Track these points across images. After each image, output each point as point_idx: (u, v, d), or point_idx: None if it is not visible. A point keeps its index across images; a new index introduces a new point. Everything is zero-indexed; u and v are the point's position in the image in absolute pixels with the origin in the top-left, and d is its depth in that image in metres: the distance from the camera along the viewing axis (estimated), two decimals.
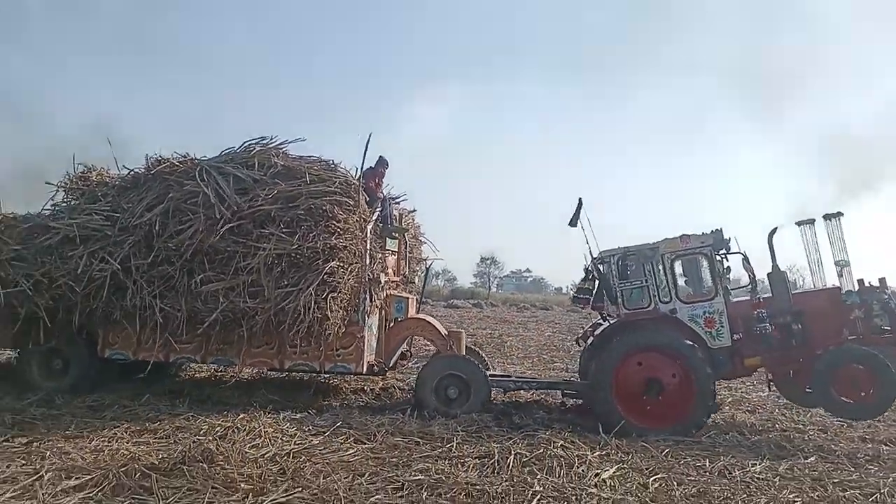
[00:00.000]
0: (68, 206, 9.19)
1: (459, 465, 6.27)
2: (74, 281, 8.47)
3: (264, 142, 9.13)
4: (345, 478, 5.68)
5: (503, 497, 5.18)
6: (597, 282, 9.09)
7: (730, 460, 6.74)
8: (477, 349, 10.94)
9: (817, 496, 5.59)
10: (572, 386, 9.41)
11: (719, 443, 7.62)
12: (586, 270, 9.37)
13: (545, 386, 9.85)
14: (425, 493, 5.41)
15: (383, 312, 9.48)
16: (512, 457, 6.37)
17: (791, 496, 5.60)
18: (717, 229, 8.56)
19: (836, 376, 7.75)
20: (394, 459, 6.37)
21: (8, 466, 5.63)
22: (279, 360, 8.80)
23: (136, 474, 5.33)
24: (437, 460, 6.41)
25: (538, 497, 5.16)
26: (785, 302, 8.37)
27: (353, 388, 10.73)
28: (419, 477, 5.80)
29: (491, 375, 9.45)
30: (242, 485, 5.29)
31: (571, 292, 9.74)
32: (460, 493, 5.41)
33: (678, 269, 8.77)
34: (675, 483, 5.93)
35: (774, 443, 7.71)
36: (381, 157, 9.91)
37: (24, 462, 5.80)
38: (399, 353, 10.17)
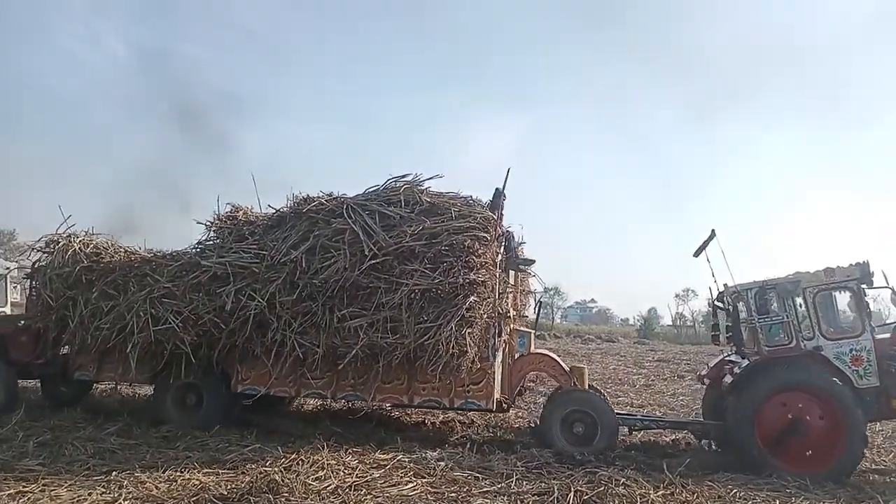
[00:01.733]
0: (216, 244, 9.43)
1: (518, 502, 6.26)
2: (220, 317, 8.72)
3: (405, 178, 9.25)
4: None
5: None
6: (725, 316, 8.94)
7: (801, 502, 6.46)
8: (595, 386, 10.64)
9: None
10: (705, 426, 9.08)
11: (790, 482, 7.30)
12: (714, 305, 9.25)
13: (675, 426, 9.67)
14: None
15: (507, 347, 9.47)
16: (572, 494, 6.31)
17: None
18: (863, 261, 8.13)
19: None
20: (452, 494, 6.42)
21: (89, 494, 5.98)
22: (409, 395, 8.86)
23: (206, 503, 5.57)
24: (495, 496, 6.43)
25: None
26: None
27: (413, 420, 10.85)
28: None
29: (617, 413, 9.22)
30: None
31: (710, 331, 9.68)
32: None
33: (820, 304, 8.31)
34: None
35: (852, 485, 7.33)
36: (497, 189, 9.53)
37: (103, 490, 6.14)
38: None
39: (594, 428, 8.50)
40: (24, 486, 6.21)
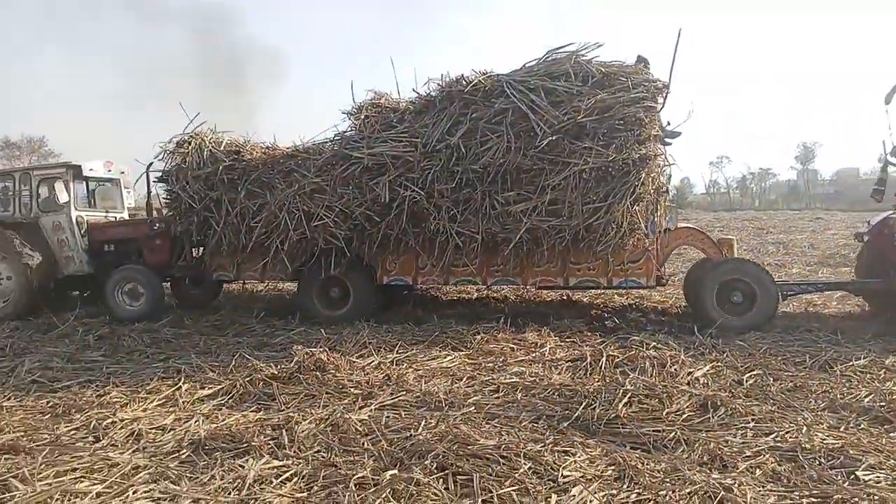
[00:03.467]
0: (363, 134, 8.83)
1: (553, 368, 6.53)
2: (373, 210, 8.51)
3: (565, 49, 8.44)
4: (444, 382, 6.09)
5: (594, 396, 5.38)
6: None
7: (832, 355, 6.62)
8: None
9: None
10: (870, 285, 8.87)
11: (822, 338, 7.45)
12: (887, 160, 8.91)
13: (833, 287, 9.65)
14: (520, 394, 5.72)
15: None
16: (604, 359, 6.52)
17: (893, 385, 5.48)
18: None
19: None
20: (489, 364, 6.72)
21: (151, 380, 6.43)
22: (564, 277, 8.73)
23: (259, 383, 5.96)
24: (531, 364, 6.71)
25: (629, 395, 5.32)
26: None
27: (449, 299, 11.18)
28: (514, 380, 6.12)
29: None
30: (353, 390, 5.81)
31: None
32: (553, 394, 5.68)
33: None
34: (770, 379, 5.95)
35: (888, 337, 7.45)
36: (639, 55, 8.70)
37: (163, 375, 6.60)
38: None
39: (752, 296, 8.28)
40: (90, 375, 6.70)
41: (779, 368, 6.27)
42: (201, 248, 10.20)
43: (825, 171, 55.45)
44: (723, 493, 3.64)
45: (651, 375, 6.00)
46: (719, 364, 6.42)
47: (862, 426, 4.79)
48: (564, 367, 6.53)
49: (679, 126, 8.73)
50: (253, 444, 4.44)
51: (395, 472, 3.90)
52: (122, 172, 11.83)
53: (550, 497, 3.62)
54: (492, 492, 3.70)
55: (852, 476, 3.93)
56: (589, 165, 7.79)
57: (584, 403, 5.29)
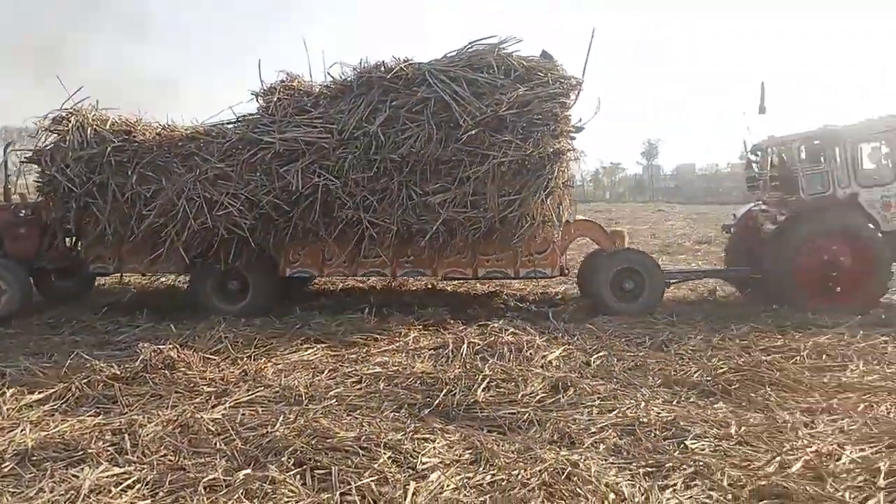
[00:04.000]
0: (273, 118, 8.38)
1: (416, 357, 6.60)
2: (282, 198, 8.08)
3: (486, 42, 8.45)
4: (305, 375, 5.96)
5: (455, 382, 5.51)
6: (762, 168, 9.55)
7: (668, 336, 7.24)
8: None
9: (742, 361, 6.09)
10: (740, 273, 9.65)
11: (660, 320, 8.12)
12: (748, 158, 9.74)
13: (712, 275, 10.30)
14: (382, 384, 5.72)
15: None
16: (465, 346, 6.70)
17: (719, 363, 6.10)
18: None
19: None
20: (352, 356, 6.66)
21: None
22: (473, 269, 8.74)
23: (98, 385, 5.49)
24: (394, 354, 6.74)
25: (487, 380, 5.51)
26: None
27: (315, 291, 10.95)
28: (377, 370, 6.12)
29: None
30: (205, 388, 5.52)
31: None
32: (416, 382, 5.74)
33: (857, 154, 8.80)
34: (615, 359, 6.40)
35: (713, 316, 8.26)
36: (543, 51, 8.73)
37: None
38: None
39: (642, 284, 8.77)
40: None
41: (622, 349, 6.76)
42: (75, 238, 9.31)
43: (667, 167, 60.24)
44: (570, 468, 3.85)
45: (508, 360, 6.25)
46: (570, 347, 6.80)
47: (691, 399, 5.28)
48: (427, 356, 6.62)
49: (586, 122, 8.90)
50: (89, 451, 4.08)
51: (249, 471, 3.75)
52: None
53: (409, 484, 3.65)
54: (350, 484, 3.66)
55: (682, 445, 4.31)
56: (508, 158, 7.86)
57: (444, 390, 5.40)
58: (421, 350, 6.83)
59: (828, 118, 9.60)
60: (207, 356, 6.37)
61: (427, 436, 4.46)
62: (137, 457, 4.11)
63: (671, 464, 4.00)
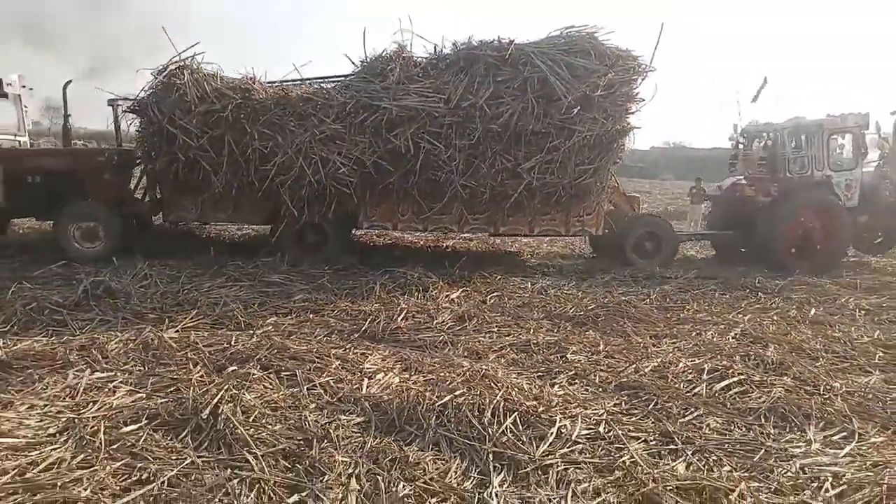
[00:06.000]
0: (387, 84, 8.79)
1: (335, 295, 7.43)
2: (386, 159, 8.68)
3: (580, 29, 9.29)
4: (238, 307, 6.58)
5: (377, 313, 6.44)
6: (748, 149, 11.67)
7: (546, 282, 8.58)
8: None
9: (606, 301, 7.52)
10: (734, 237, 11.21)
11: (538, 271, 9.49)
12: (738, 140, 11.79)
13: (707, 237, 12.02)
14: (311, 315, 6.53)
15: None
16: (378, 286, 7.63)
17: (587, 301, 7.50)
18: (867, 112, 10.53)
19: None
20: (276, 292, 7.36)
21: None
22: (530, 227, 9.70)
23: (44, 311, 5.82)
24: (313, 292, 7.51)
25: (405, 311, 6.49)
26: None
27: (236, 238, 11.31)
28: (304, 304, 6.90)
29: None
30: (150, 315, 6.03)
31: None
32: (340, 314, 6.60)
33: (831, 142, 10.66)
34: (506, 298, 7.61)
35: (581, 270, 9.76)
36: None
37: None
38: None
39: (659, 244, 10.28)
40: None
41: (511, 291, 7.99)
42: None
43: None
44: (483, 371, 4.93)
45: (418, 297, 7.27)
46: (468, 289, 7.93)
47: (569, 328, 6.56)
48: (345, 294, 7.46)
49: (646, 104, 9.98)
50: (70, 359, 4.59)
51: (234, 368, 4.49)
52: (26, 87, 10.23)
53: (363, 381, 4.57)
54: (314, 381, 4.52)
55: (564, 358, 5.55)
56: (593, 133, 8.86)
57: (368, 319, 6.31)
58: (337, 290, 7.65)
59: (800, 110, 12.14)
60: (141, 288, 6.80)
61: (364, 351, 5.38)
62: (112, 366, 4.68)
63: (558, 369, 5.22)
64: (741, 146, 12.15)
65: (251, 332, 5.68)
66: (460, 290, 7.82)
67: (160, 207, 9.80)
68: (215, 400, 3.88)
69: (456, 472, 3.47)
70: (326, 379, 4.58)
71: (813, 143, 10.64)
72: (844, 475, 3.57)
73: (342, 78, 9.40)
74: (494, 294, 7.75)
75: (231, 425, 3.68)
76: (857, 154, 10.71)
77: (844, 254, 10.88)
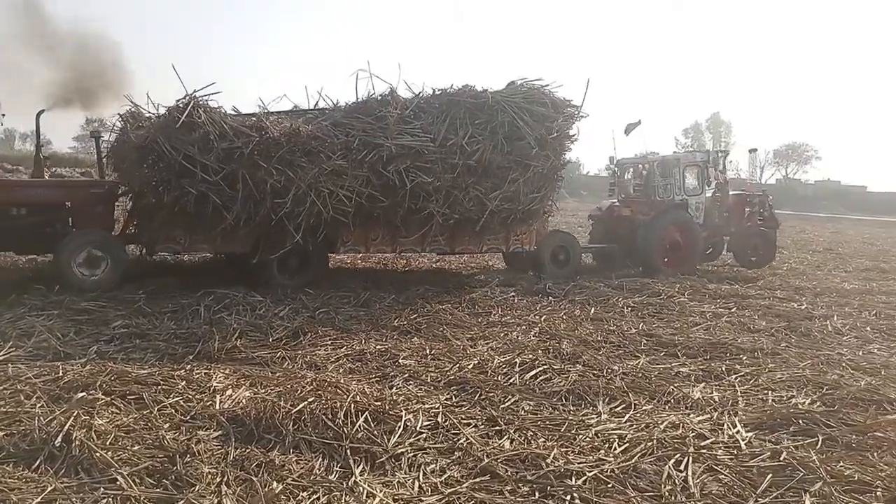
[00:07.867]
0: (385, 124, 9.58)
1: (155, 318, 7.27)
2: (379, 191, 9.46)
3: (536, 81, 10.88)
4: (57, 335, 6.21)
5: (208, 334, 6.51)
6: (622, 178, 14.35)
7: (368, 296, 9.09)
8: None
9: (426, 310, 8.26)
10: (616, 249, 13.20)
11: (359, 286, 10.00)
12: (614, 170, 14.43)
13: (595, 250, 13.77)
14: (137, 340, 6.42)
15: None
16: (202, 307, 7.61)
17: (411, 312, 8.19)
18: (716, 150, 13.40)
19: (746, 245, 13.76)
20: (90, 320, 7.06)
21: None
22: (479, 245, 11.08)
23: None
24: (132, 316, 7.28)
25: (238, 331, 6.64)
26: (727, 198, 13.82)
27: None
28: (125, 330, 6.71)
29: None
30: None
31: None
32: (170, 337, 6.56)
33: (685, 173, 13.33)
34: (335, 313, 8.01)
35: (397, 282, 10.46)
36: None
37: None
38: None
39: (569, 255, 12.02)
40: None
41: (337, 306, 8.41)
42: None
43: None
44: (325, 381, 5.32)
45: (248, 317, 7.40)
46: (296, 305, 8.21)
47: (395, 337, 7.16)
48: (166, 317, 7.33)
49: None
50: None
51: (83, 394, 4.39)
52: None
53: (214, 397, 4.72)
54: (163, 402, 4.58)
55: (396, 363, 6.12)
56: (544, 167, 10.52)
57: (200, 341, 6.36)
58: (159, 313, 7.49)
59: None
60: None
61: (205, 371, 5.48)
62: None
63: (393, 373, 5.79)
64: (616, 175, 14.80)
65: (80, 360, 5.47)
66: (288, 307, 8.06)
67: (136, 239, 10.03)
68: (65, 427, 3.84)
69: (320, 469, 3.86)
70: (175, 399, 4.67)
71: (673, 174, 13.22)
72: (626, 435, 4.56)
73: (329, 109, 10.27)
74: (323, 309, 8.12)
75: (88, 449, 3.69)
76: (703, 182, 13.54)
77: (699, 259, 13.50)
